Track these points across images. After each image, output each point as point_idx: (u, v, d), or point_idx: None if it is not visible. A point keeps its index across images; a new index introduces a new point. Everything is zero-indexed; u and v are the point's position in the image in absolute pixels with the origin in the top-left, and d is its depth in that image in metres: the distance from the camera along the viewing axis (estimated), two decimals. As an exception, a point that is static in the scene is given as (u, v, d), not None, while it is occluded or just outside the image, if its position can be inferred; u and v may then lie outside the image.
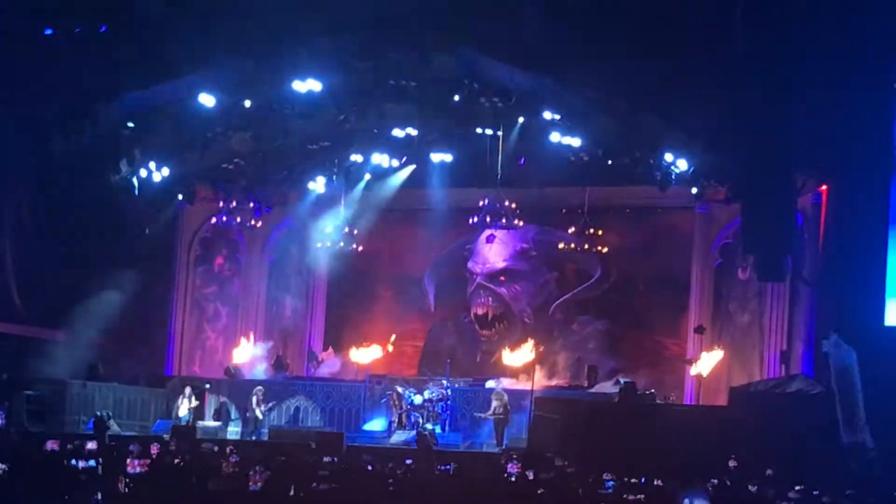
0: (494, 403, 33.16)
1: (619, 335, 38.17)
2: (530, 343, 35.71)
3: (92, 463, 18.78)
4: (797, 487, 19.53)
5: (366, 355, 36.70)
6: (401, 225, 39.79)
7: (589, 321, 38.42)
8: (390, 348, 37.91)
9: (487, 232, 38.16)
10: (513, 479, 20.42)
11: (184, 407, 34.51)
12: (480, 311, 39.01)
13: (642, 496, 17.70)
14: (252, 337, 38.66)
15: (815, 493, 19.41)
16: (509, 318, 38.86)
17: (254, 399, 34.78)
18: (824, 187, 31.89)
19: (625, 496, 18.54)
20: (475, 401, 34.60)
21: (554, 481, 20.06)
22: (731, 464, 24.94)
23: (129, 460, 19.03)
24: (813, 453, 26.20)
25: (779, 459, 24.79)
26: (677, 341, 37.29)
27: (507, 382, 35.52)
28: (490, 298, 38.87)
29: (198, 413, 34.65)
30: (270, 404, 34.88)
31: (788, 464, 24.44)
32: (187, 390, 34.76)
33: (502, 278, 38.84)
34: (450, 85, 32.23)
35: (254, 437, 34.18)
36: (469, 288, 39.19)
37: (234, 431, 35.28)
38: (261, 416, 34.69)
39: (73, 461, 18.60)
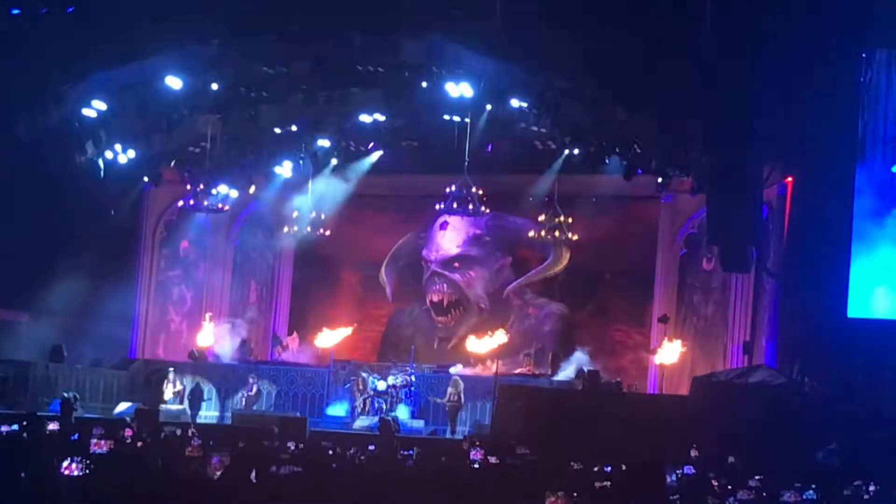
0: (450, 390, 33.32)
1: (584, 323, 38.29)
2: (499, 331, 35.75)
3: (15, 427, 18.74)
4: (757, 477, 19.60)
5: (329, 339, 36.61)
6: (367, 210, 39.78)
7: (544, 304, 38.47)
8: (354, 328, 37.66)
9: (442, 219, 38.19)
10: (475, 465, 20.40)
11: (168, 391, 34.58)
12: (436, 298, 39.05)
13: (608, 483, 17.72)
14: (209, 317, 38.47)
15: (773, 483, 19.47)
16: (465, 304, 38.90)
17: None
18: (790, 179, 32.02)
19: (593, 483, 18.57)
20: (438, 387, 34.67)
21: (518, 468, 20.07)
22: (693, 453, 25.01)
23: (92, 441, 18.92)
24: (774, 443, 26.32)
25: (740, 448, 24.90)
26: (641, 331, 37.42)
27: (468, 369, 35.65)
28: (445, 285, 38.91)
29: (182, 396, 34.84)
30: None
31: (750, 453, 24.52)
32: (171, 374, 34.84)
33: (456, 265, 38.88)
34: (417, 71, 32.19)
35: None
36: (424, 276, 39.18)
37: (210, 416, 35.35)
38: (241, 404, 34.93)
39: None
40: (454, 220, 38.22)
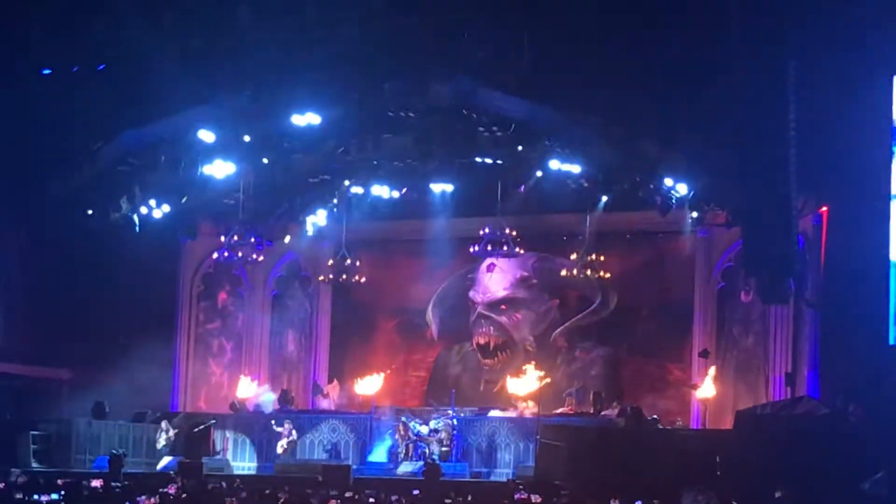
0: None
1: (623, 361, 38.15)
2: (534, 371, 35.65)
3: (55, 496, 18.75)
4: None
5: (368, 385, 36.62)
6: (402, 256, 39.85)
7: (591, 347, 38.40)
8: (387, 373, 37.58)
9: (488, 261, 38.16)
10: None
11: (161, 440, 34.65)
12: (482, 341, 38.94)
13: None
14: (249, 377, 38.58)
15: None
16: (511, 346, 38.80)
17: (282, 431, 35.11)
18: (824, 208, 31.89)
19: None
20: (481, 430, 34.62)
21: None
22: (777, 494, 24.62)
23: (141, 498, 19.02)
24: (821, 475, 26.11)
25: (787, 482, 24.72)
26: (682, 366, 37.24)
27: (509, 411, 35.60)
28: (491, 328, 38.80)
29: (176, 445, 34.77)
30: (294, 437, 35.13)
31: (796, 486, 24.34)
32: (164, 424, 34.95)
33: (503, 307, 38.79)
34: (448, 114, 32.26)
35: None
36: (471, 317, 39.14)
37: (248, 466, 35.40)
38: (280, 449, 34.93)
39: (36, 496, 18.50)
40: (501, 262, 38.15)
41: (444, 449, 33.83)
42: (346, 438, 35.80)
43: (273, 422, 35.70)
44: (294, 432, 35.34)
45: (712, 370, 34.47)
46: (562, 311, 38.85)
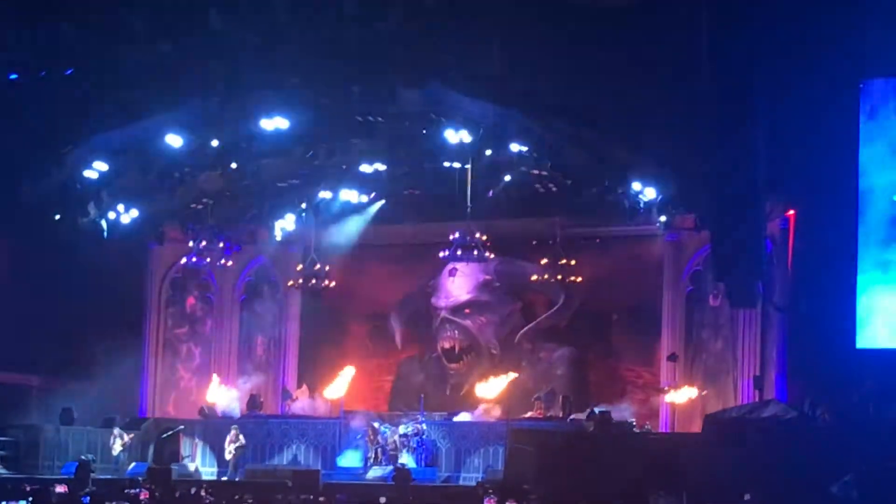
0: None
1: (592, 365, 38.23)
2: (504, 374, 35.71)
3: (22, 503, 18.69)
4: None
5: (338, 389, 36.52)
6: (372, 261, 39.77)
7: (555, 348, 38.42)
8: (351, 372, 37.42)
9: (450, 266, 38.18)
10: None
11: (116, 446, 34.55)
12: (447, 345, 38.91)
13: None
14: (217, 379, 38.48)
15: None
16: (476, 349, 38.80)
17: (227, 438, 34.86)
18: (791, 212, 32.05)
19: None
20: (450, 435, 34.64)
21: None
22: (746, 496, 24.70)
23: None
24: (789, 478, 26.21)
25: (756, 484, 24.81)
26: (651, 370, 37.32)
27: (477, 414, 35.66)
28: (456, 331, 38.79)
29: (133, 449, 34.72)
30: (241, 443, 34.88)
31: (765, 489, 24.44)
32: (116, 430, 34.78)
33: (467, 311, 38.79)
34: (416, 119, 32.29)
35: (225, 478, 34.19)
36: (434, 323, 39.11)
37: (210, 472, 35.26)
38: (229, 456, 34.73)
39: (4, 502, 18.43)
40: (462, 267, 38.18)
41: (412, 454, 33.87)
42: (315, 443, 35.73)
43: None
44: (241, 437, 35.04)
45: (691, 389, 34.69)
46: (524, 313, 38.87)
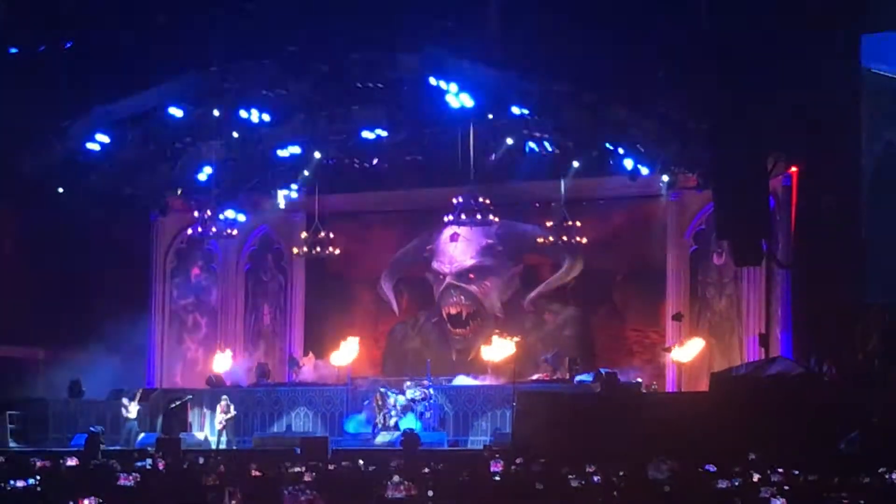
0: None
1: (599, 326, 38.20)
2: (508, 337, 35.72)
3: (31, 482, 18.69)
4: (780, 470, 19.58)
5: (345, 356, 36.54)
6: (376, 227, 39.80)
7: (560, 309, 38.37)
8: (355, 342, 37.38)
9: (450, 230, 38.15)
10: (497, 478, 20.26)
11: (133, 410, 34.66)
12: (454, 311, 38.82)
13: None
14: (226, 350, 38.55)
15: (796, 473, 19.46)
16: (482, 314, 38.80)
17: (218, 408, 34.98)
18: (794, 169, 31.99)
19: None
20: (457, 399, 34.70)
21: (540, 475, 20.04)
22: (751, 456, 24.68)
23: (121, 475, 18.95)
24: (796, 435, 26.24)
25: (761, 442, 24.83)
26: (657, 329, 37.30)
27: (482, 378, 35.70)
28: (462, 297, 38.72)
29: (143, 422, 34.95)
30: (234, 414, 34.96)
31: (771, 447, 24.46)
32: (124, 400, 34.77)
33: (471, 276, 38.73)
34: (416, 84, 32.21)
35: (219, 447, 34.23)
36: (437, 288, 39.02)
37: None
38: (219, 426, 34.83)
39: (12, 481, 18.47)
40: (464, 231, 38.12)
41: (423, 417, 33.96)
42: (323, 410, 35.81)
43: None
44: (232, 408, 35.11)
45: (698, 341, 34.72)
46: (525, 276, 38.83)
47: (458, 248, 38.61)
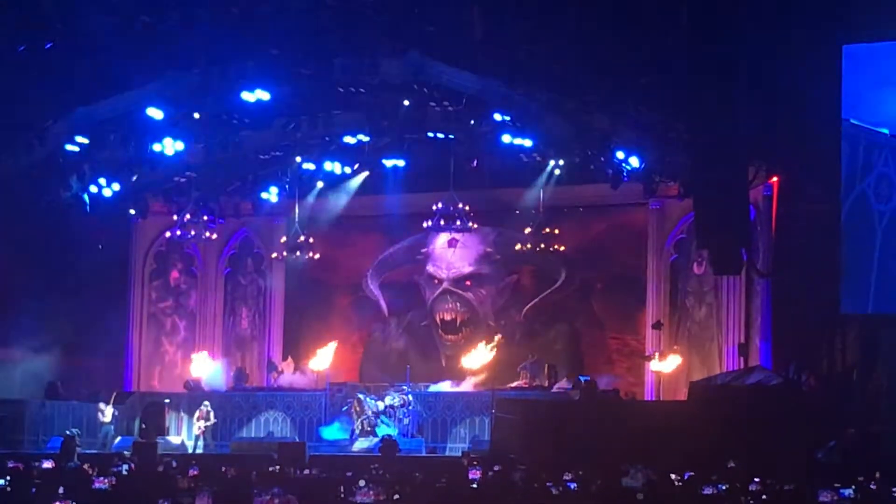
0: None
1: (579, 333, 38.18)
2: (487, 343, 35.68)
3: (1, 482, 18.61)
4: (756, 479, 19.56)
5: (323, 361, 36.47)
6: (356, 232, 39.74)
7: (551, 322, 38.31)
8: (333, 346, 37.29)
9: (448, 236, 38.06)
10: (474, 485, 20.18)
11: (108, 414, 34.50)
12: (448, 317, 38.80)
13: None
14: (204, 354, 38.44)
15: (772, 483, 19.43)
16: (475, 322, 38.75)
17: (196, 414, 34.86)
18: (775, 179, 32.03)
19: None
20: (436, 405, 34.64)
21: (516, 483, 19.97)
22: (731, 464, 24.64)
23: (96, 478, 18.89)
24: (774, 444, 26.23)
25: (740, 451, 24.82)
26: (637, 338, 37.32)
27: (465, 385, 35.64)
28: (458, 303, 38.73)
29: (120, 425, 34.76)
30: (214, 422, 34.85)
31: (750, 455, 24.46)
32: (101, 404, 34.61)
33: (468, 283, 38.72)
34: (399, 90, 32.16)
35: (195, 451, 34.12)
36: (430, 293, 38.96)
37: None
38: (197, 431, 34.71)
39: None
40: (462, 238, 38.04)
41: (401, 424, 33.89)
42: (301, 416, 35.72)
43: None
44: (212, 415, 35.00)
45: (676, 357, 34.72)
46: (519, 286, 38.79)
47: (456, 254, 38.54)
